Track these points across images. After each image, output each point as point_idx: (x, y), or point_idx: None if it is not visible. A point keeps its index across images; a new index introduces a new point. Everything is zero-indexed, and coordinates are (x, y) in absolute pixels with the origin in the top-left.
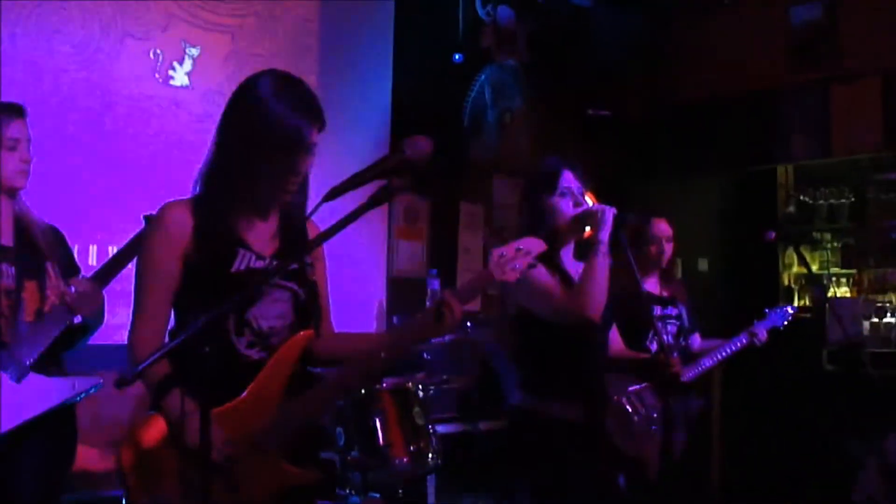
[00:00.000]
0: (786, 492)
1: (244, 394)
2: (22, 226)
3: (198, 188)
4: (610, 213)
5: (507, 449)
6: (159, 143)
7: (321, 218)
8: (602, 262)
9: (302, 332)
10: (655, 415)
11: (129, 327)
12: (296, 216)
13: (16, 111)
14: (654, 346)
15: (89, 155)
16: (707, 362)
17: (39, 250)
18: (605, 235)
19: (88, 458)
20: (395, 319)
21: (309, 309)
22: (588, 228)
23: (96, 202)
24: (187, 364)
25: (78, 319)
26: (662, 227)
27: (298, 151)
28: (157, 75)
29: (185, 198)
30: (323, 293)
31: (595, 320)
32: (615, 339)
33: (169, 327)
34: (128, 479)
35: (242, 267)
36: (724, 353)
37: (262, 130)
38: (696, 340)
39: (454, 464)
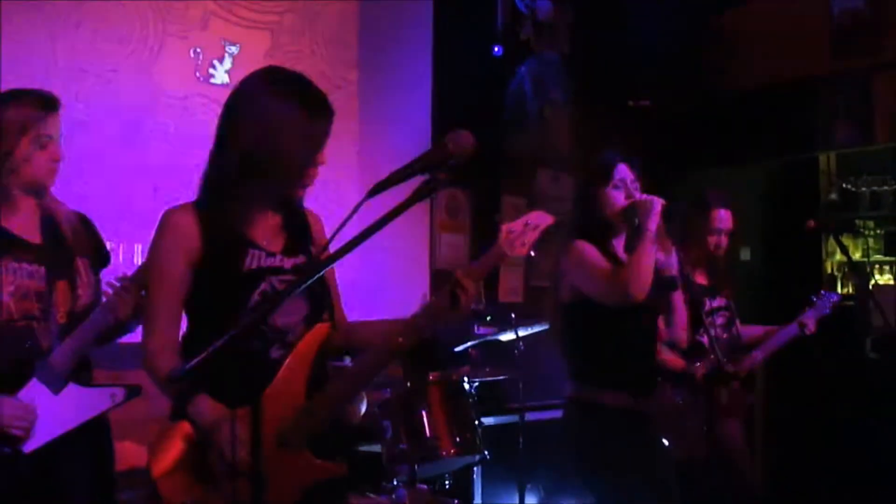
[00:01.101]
0: (830, 479)
1: (268, 392)
2: (49, 219)
3: (202, 190)
4: (658, 203)
5: (562, 440)
6: (200, 142)
7: (363, 212)
8: (649, 248)
9: (319, 325)
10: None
11: (142, 335)
12: (296, 207)
13: (52, 105)
14: (704, 339)
15: (132, 154)
16: (759, 355)
17: (68, 246)
18: (652, 225)
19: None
20: None
21: (322, 301)
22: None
23: (139, 201)
24: (212, 367)
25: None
26: (724, 218)
27: (320, 146)
28: (197, 73)
29: (187, 202)
30: (333, 283)
31: (639, 300)
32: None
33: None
34: (160, 488)
35: (254, 265)
36: (775, 344)
37: (280, 131)
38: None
39: (501, 455)
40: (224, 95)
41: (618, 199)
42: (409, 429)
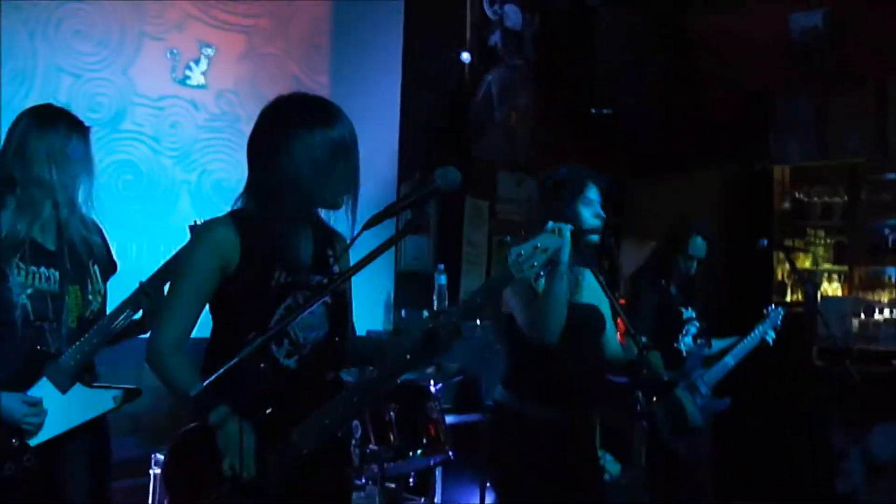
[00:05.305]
0: (773, 481)
1: (279, 405)
2: (64, 226)
3: (244, 204)
4: (566, 230)
5: (483, 442)
6: (176, 142)
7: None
8: (559, 286)
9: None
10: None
11: (156, 323)
12: (325, 225)
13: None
14: (683, 347)
15: (108, 154)
16: (731, 361)
17: (81, 252)
18: (564, 255)
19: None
20: (402, 313)
21: (339, 317)
22: None
23: (114, 201)
24: (231, 377)
25: (138, 315)
26: (700, 247)
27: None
28: (173, 75)
29: (227, 215)
30: (349, 301)
31: (553, 343)
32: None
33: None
34: (172, 487)
35: (282, 280)
36: (742, 352)
37: (316, 154)
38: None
39: (463, 453)
40: (199, 96)
41: (587, 215)
42: (377, 430)
